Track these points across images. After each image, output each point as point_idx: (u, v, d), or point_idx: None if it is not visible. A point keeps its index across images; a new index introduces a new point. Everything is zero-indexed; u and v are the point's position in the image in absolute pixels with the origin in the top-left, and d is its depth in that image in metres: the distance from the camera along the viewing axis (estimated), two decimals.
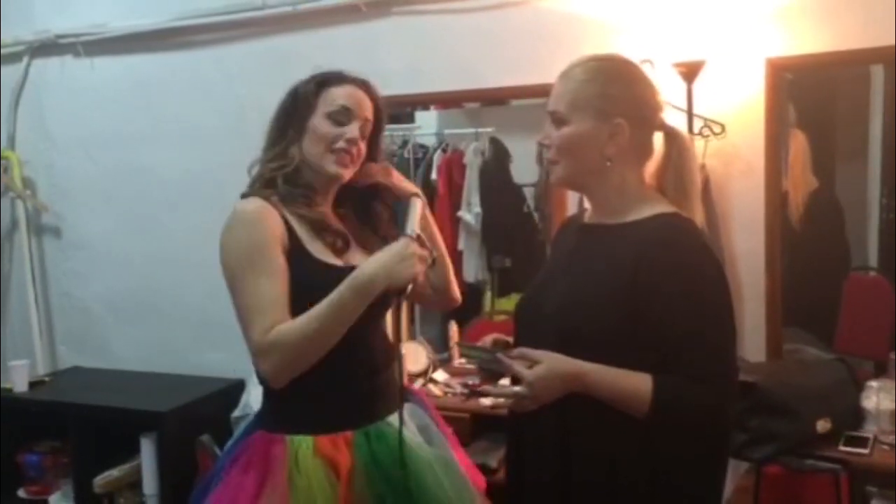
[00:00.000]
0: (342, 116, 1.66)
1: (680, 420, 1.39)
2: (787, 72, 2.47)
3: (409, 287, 1.54)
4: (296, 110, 1.69)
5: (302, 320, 1.53)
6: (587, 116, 1.47)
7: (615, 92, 1.47)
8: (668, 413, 1.38)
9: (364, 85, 1.72)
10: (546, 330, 1.48)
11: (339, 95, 1.68)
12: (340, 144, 1.65)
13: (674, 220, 1.46)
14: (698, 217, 1.51)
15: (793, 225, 2.58)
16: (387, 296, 1.57)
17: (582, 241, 1.57)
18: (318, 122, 1.66)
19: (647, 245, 1.41)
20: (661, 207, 1.48)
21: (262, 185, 1.67)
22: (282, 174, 1.66)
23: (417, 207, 1.64)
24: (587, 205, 1.62)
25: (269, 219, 1.61)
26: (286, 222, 1.62)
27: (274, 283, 1.56)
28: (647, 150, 1.53)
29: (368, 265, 1.54)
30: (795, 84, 2.53)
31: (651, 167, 1.54)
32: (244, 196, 1.67)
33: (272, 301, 1.54)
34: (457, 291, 1.87)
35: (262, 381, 1.63)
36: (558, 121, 1.49)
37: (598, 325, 1.42)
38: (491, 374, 1.65)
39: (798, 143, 2.56)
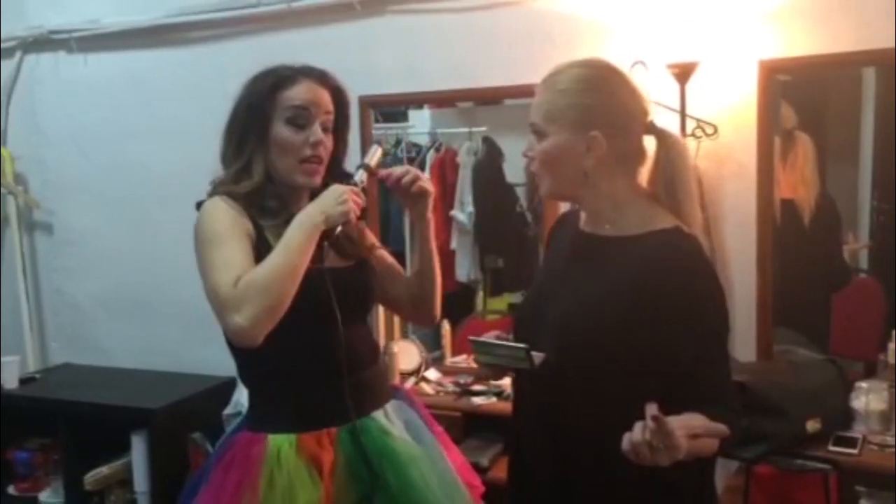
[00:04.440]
0: (301, 119, 1.60)
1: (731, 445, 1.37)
2: (781, 74, 2.48)
3: (339, 228, 1.55)
4: (252, 120, 1.62)
5: (262, 264, 1.49)
6: (563, 129, 1.43)
7: (591, 102, 1.43)
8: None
9: (320, 77, 1.65)
10: (546, 341, 1.45)
11: (293, 96, 1.61)
12: (307, 152, 1.61)
13: (674, 240, 1.41)
14: (697, 222, 1.46)
15: (804, 226, 2.58)
16: (363, 300, 1.65)
17: (579, 251, 1.52)
18: (279, 131, 1.60)
19: (648, 272, 1.37)
20: (661, 221, 1.44)
21: (227, 194, 1.62)
22: (244, 193, 1.60)
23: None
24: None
25: (237, 213, 1.58)
26: (255, 224, 1.59)
27: (240, 249, 1.53)
28: (634, 156, 1.48)
29: (310, 205, 1.55)
30: (790, 86, 2.54)
31: (645, 172, 1.49)
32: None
33: (237, 261, 1.51)
34: (437, 310, 1.83)
35: (234, 346, 1.57)
36: (537, 133, 1.47)
37: (596, 352, 1.40)
38: (500, 369, 1.60)
39: (804, 146, 2.57)
